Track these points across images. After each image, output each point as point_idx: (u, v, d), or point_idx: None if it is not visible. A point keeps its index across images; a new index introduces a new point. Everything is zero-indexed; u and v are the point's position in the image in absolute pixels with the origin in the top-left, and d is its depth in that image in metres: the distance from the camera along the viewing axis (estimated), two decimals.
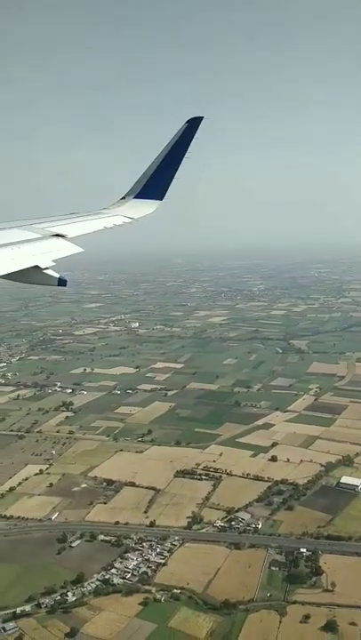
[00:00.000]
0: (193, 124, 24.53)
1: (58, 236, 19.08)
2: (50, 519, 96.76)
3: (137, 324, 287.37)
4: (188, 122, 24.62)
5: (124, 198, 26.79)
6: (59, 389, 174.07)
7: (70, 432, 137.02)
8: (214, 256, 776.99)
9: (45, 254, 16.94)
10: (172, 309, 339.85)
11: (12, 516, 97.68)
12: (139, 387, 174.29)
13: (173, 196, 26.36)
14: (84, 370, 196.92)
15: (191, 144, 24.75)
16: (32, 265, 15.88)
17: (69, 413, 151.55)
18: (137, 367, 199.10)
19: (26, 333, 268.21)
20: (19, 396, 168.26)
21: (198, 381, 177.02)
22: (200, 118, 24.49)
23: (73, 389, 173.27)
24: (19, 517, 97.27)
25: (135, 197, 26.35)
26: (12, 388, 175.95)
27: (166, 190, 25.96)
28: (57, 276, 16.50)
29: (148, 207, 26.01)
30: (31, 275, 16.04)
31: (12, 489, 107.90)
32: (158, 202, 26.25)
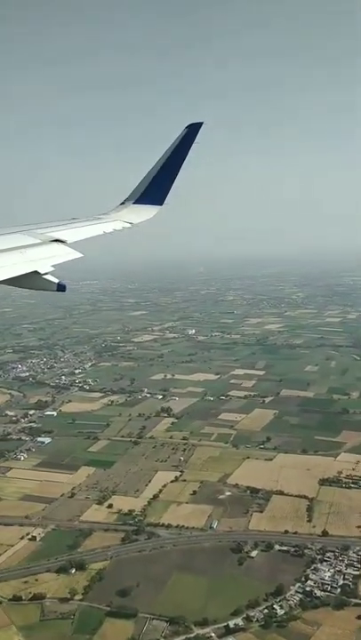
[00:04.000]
0: (193, 129, 24.51)
1: (57, 241, 19.13)
2: (211, 528, 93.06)
3: (193, 331, 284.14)
4: (187, 127, 24.64)
5: (123, 204, 26.85)
6: (148, 395, 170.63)
7: (184, 438, 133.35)
8: (231, 264, 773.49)
9: (45, 259, 16.96)
10: (220, 317, 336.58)
11: (170, 525, 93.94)
12: (229, 393, 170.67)
13: (174, 201, 26.33)
14: (165, 376, 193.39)
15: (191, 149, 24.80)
16: (31, 270, 15.84)
17: (172, 419, 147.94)
18: (217, 374, 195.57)
19: (84, 340, 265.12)
20: (112, 402, 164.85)
21: (289, 388, 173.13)
22: (200, 124, 24.51)
23: (163, 395, 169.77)
24: (178, 526, 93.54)
25: (135, 203, 26.45)
26: (99, 394, 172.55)
27: (166, 196, 25.96)
28: (56, 281, 16.29)
29: (147, 212, 26.09)
30: (30, 280, 15.95)
31: (155, 497, 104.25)
32: (158, 207, 26.29)
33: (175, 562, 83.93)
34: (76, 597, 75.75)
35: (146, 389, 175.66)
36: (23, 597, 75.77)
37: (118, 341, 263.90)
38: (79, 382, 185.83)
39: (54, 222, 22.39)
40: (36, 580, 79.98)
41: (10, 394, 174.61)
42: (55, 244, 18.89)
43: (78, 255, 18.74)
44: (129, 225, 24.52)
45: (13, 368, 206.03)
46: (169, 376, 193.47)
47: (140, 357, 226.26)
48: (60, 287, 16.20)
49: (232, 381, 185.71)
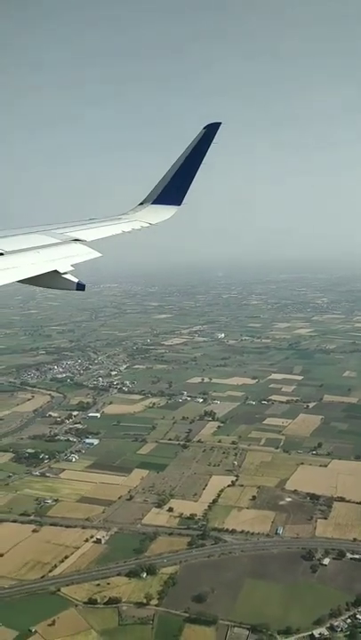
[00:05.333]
0: (211, 129, 24.50)
1: (77, 240, 19.26)
2: (278, 534, 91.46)
3: (223, 335, 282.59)
4: (205, 128, 24.62)
5: (142, 204, 26.93)
6: (188, 398, 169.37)
7: (233, 442, 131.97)
8: (250, 269, 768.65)
9: (64, 259, 17.06)
10: (246, 321, 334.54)
11: (235, 530, 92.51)
12: (270, 398, 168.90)
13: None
14: (202, 380, 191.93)
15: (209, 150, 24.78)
16: (51, 270, 15.97)
17: (217, 423, 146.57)
18: (254, 378, 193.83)
19: (115, 343, 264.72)
20: (153, 404, 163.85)
21: (331, 394, 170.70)
22: (218, 124, 24.52)
23: (204, 399, 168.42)
24: (243, 532, 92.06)
25: (153, 203, 26.52)
26: (139, 397, 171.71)
27: (184, 196, 26.04)
28: (75, 280, 16.35)
29: (165, 213, 26.14)
30: (50, 279, 16.09)
31: (214, 501, 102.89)
32: (176, 207, 26.35)
33: (246, 568, 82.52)
34: (152, 602, 74.59)
35: (185, 392, 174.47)
36: (98, 601, 74.80)
37: (149, 344, 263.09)
38: (117, 384, 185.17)
39: (73, 222, 22.65)
40: (108, 583, 79.05)
41: (50, 395, 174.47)
42: (74, 243, 19.02)
43: (97, 255, 18.80)
44: (147, 225, 24.59)
45: (50, 369, 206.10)
46: (206, 379, 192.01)
47: (173, 360, 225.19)
48: (80, 286, 16.25)
49: (271, 386, 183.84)
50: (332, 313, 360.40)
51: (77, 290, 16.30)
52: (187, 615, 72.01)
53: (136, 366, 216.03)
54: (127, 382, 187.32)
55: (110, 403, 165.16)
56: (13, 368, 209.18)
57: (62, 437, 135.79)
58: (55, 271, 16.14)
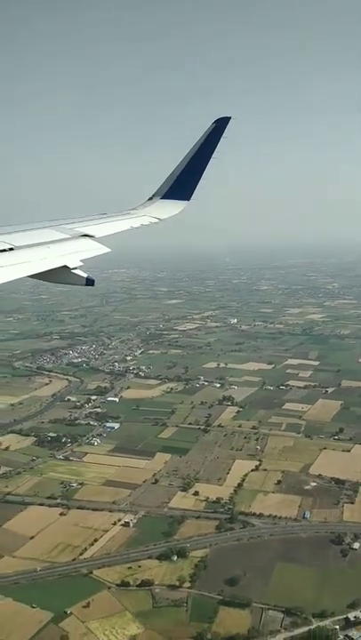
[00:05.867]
0: (220, 124, 24.28)
1: (86, 236, 19.32)
2: (305, 518, 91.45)
3: (235, 321, 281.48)
4: (215, 122, 24.38)
5: (151, 199, 26.81)
6: (205, 383, 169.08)
7: (253, 427, 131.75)
8: (254, 254, 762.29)
9: (74, 254, 17.17)
10: (258, 306, 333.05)
11: (262, 514, 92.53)
12: (288, 383, 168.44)
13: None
14: (218, 365, 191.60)
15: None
16: (61, 265, 16.09)
17: (236, 408, 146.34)
18: (270, 363, 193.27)
19: (128, 328, 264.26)
20: (170, 389, 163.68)
21: (349, 379, 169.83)
22: (228, 118, 24.25)
23: (221, 384, 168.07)
24: (270, 516, 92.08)
25: (162, 198, 26.38)
26: (156, 382, 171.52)
27: (193, 191, 25.85)
28: (85, 275, 16.47)
29: (174, 208, 26.07)
30: (60, 274, 16.18)
31: (239, 485, 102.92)
32: (185, 202, 26.20)
33: (276, 552, 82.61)
34: (185, 585, 74.80)
35: (202, 377, 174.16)
36: (131, 583, 75.07)
37: (161, 329, 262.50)
38: (133, 369, 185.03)
39: (83, 217, 22.67)
40: (139, 566, 79.30)
41: (67, 379, 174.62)
42: (84, 238, 19.10)
43: (107, 250, 19.02)
44: (156, 220, 24.55)
45: (65, 354, 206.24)
46: (222, 365, 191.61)
47: (187, 345, 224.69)
48: (89, 282, 16.35)
49: (288, 371, 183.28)
50: (343, 298, 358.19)
51: (87, 285, 16.37)
52: (220, 598, 72.24)
53: (150, 351, 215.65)
54: (143, 367, 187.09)
55: (128, 387, 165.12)
56: (29, 353, 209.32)
57: (83, 421, 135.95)
58: (65, 266, 16.22)
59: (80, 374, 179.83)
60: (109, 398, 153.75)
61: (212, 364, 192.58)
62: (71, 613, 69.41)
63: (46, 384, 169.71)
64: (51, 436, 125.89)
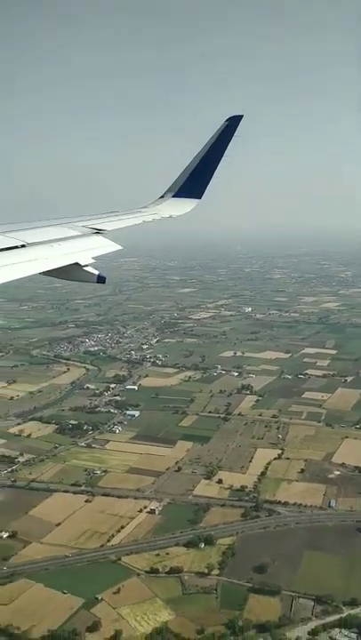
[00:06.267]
0: (232, 122, 24.33)
1: (98, 233, 19.31)
2: (331, 506, 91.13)
3: (250, 309, 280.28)
4: (227, 120, 24.42)
5: (162, 197, 26.85)
6: (223, 372, 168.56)
7: (274, 416, 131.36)
8: (265, 244, 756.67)
9: (85, 251, 17.15)
10: (272, 295, 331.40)
11: (287, 502, 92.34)
12: (306, 372, 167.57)
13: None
14: (234, 353, 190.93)
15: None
16: (72, 262, 16.05)
17: (255, 397, 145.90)
18: (287, 352, 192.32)
19: (142, 317, 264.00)
20: (188, 377, 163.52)
21: None
22: (240, 117, 24.27)
23: (239, 373, 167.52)
24: (295, 504, 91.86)
25: (174, 196, 26.44)
26: (174, 370, 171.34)
27: (205, 189, 25.94)
28: (96, 272, 16.41)
29: (186, 206, 26.11)
30: (71, 271, 16.16)
31: (263, 474, 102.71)
32: (197, 200, 26.22)
33: (304, 540, 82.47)
34: (214, 572, 74.85)
35: (219, 366, 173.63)
36: (160, 570, 75.30)
37: (176, 318, 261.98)
38: (150, 357, 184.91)
39: (94, 215, 22.78)
40: (167, 553, 79.47)
41: (85, 367, 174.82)
42: (95, 236, 19.14)
43: (118, 247, 19.04)
44: (167, 218, 24.66)
45: (82, 342, 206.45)
46: (239, 353, 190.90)
47: (202, 334, 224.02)
48: (100, 279, 16.32)
49: (305, 360, 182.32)
50: (358, 287, 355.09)
51: (98, 282, 16.32)
52: (250, 585, 72.18)
53: (166, 340, 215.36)
54: (160, 356, 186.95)
55: (146, 376, 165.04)
56: (45, 341, 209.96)
57: (103, 409, 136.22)
58: (76, 263, 16.21)
59: (97, 362, 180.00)
60: (128, 386, 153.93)
61: (229, 353, 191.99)
62: (102, 599, 69.76)
63: (64, 372, 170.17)
64: (72, 424, 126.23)
